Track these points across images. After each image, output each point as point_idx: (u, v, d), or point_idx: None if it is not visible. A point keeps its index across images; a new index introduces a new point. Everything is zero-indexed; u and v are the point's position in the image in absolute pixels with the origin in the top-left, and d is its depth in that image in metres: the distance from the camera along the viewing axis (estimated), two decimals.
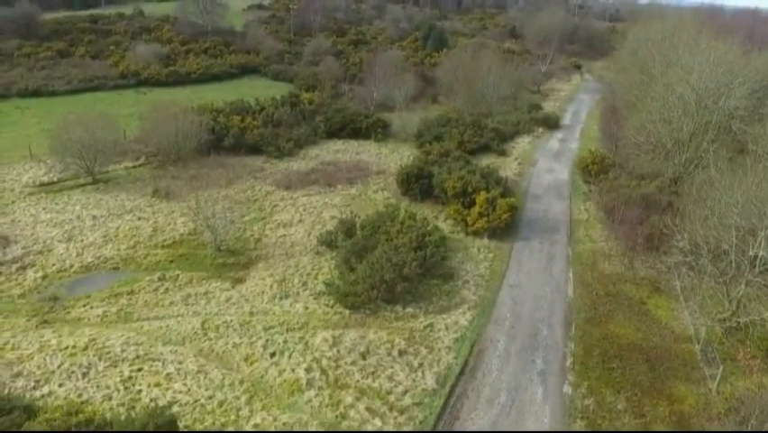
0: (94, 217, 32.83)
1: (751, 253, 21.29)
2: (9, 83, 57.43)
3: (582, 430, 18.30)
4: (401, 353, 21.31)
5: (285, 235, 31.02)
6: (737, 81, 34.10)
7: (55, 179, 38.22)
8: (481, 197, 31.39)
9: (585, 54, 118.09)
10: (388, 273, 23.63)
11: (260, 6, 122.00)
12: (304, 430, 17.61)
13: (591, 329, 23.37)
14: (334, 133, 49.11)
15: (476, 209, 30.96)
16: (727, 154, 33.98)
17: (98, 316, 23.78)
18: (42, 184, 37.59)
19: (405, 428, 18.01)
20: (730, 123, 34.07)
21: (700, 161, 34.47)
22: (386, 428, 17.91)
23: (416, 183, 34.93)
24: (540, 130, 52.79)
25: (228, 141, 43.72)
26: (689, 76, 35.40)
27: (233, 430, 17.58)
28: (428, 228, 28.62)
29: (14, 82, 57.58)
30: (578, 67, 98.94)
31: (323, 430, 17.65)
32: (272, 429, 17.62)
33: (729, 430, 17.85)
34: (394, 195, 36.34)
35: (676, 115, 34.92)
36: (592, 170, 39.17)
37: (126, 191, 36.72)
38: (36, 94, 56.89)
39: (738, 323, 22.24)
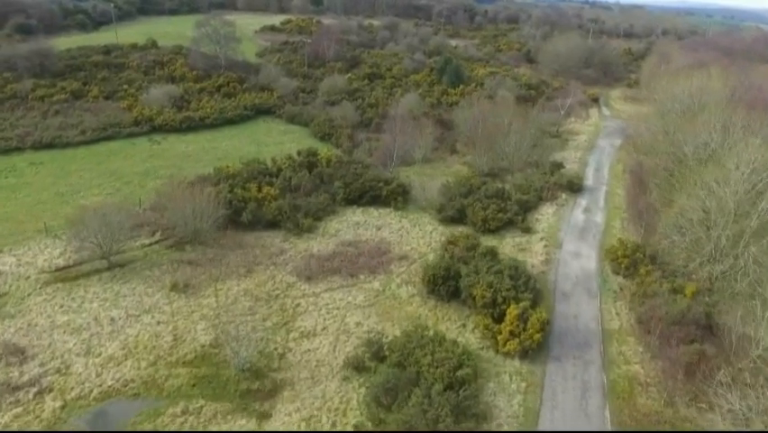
0: (112, 320, 31.96)
1: None
2: (24, 134, 56.72)
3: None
4: None
5: (309, 351, 30.03)
6: None
7: (71, 263, 37.42)
8: (513, 311, 30.32)
9: (601, 81, 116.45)
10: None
11: (273, 28, 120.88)
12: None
13: None
14: (353, 200, 48.03)
15: (507, 327, 29.90)
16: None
17: None
18: (58, 269, 36.79)
19: None
20: None
21: (738, 267, 33.26)
22: None
23: (443, 285, 33.88)
24: (564, 196, 51.46)
25: (246, 216, 42.74)
26: (727, 175, 34.16)
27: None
28: (459, 354, 27.61)
29: (29, 134, 56.80)
30: (595, 100, 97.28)
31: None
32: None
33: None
34: (419, 292, 35.26)
35: (714, 217, 33.70)
36: (622, 262, 38.00)
37: (144, 281, 35.83)
38: (50, 146, 56.09)
39: None
